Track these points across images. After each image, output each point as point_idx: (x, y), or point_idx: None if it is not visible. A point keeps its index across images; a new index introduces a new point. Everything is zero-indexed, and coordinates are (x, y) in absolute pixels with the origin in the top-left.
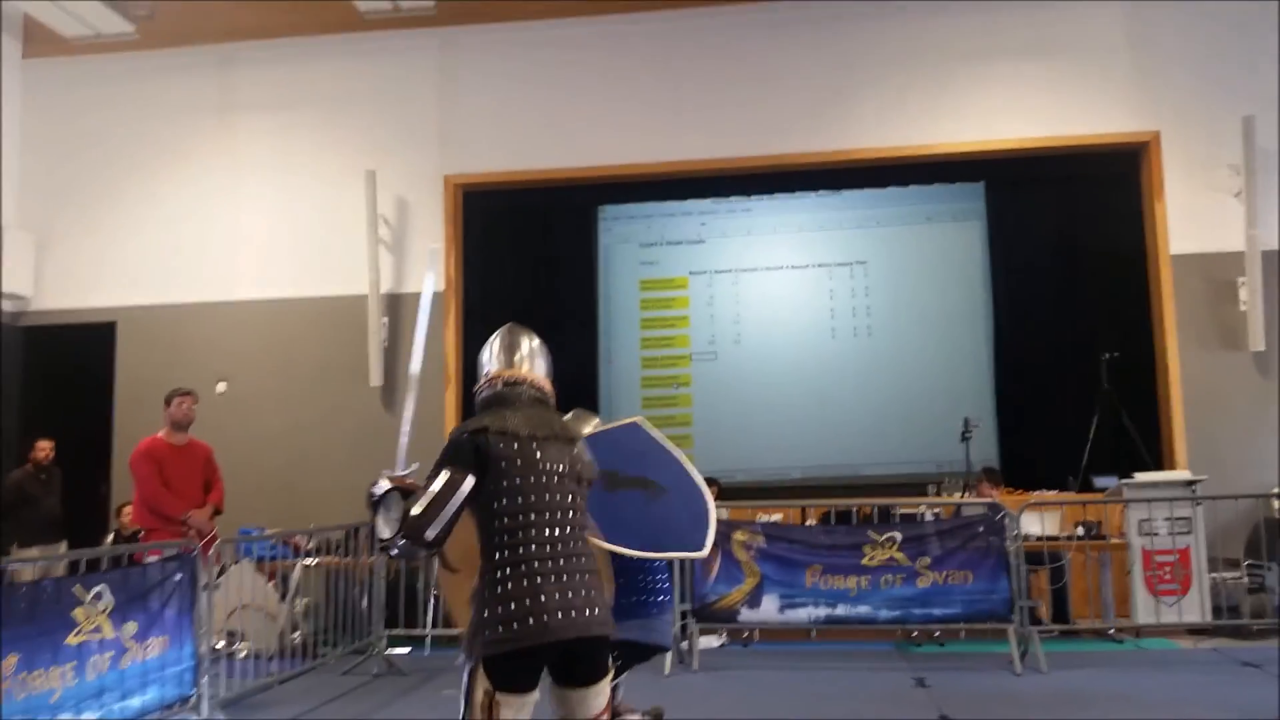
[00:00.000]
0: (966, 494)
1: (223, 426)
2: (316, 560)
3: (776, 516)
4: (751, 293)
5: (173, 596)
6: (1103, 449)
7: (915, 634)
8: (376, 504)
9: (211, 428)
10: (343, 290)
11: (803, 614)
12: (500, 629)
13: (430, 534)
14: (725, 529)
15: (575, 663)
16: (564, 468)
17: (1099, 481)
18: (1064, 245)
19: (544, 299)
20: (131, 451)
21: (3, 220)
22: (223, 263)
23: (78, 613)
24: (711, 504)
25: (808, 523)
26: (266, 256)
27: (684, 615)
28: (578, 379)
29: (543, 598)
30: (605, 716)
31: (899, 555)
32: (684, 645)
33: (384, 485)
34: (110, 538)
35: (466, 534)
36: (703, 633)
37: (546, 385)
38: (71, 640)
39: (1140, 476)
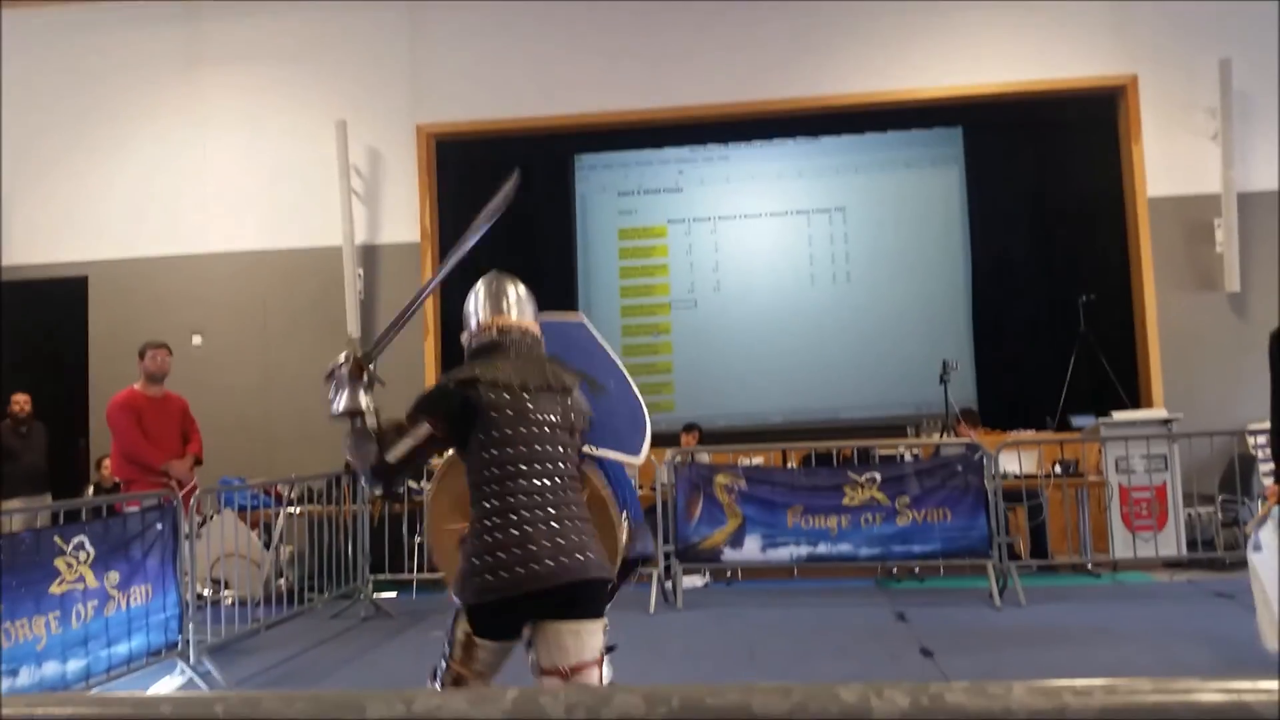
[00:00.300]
0: (945, 435)
1: (200, 380)
2: (300, 509)
3: (758, 460)
4: (730, 240)
5: (154, 546)
6: (1080, 389)
7: (895, 570)
8: (341, 417)
9: (188, 381)
10: (317, 242)
11: (784, 553)
12: (490, 577)
13: (396, 484)
14: (707, 473)
15: (571, 605)
16: (556, 418)
17: (1076, 421)
18: (1042, 189)
19: (521, 249)
20: (107, 405)
21: None
22: (195, 215)
23: (59, 563)
24: (647, 413)
25: (789, 465)
26: (239, 209)
27: (667, 556)
28: None
29: (533, 546)
30: (593, 672)
31: (879, 495)
32: (668, 585)
33: (343, 403)
34: (91, 490)
35: (458, 481)
36: (686, 573)
37: (537, 331)
38: (55, 589)
39: (1117, 415)
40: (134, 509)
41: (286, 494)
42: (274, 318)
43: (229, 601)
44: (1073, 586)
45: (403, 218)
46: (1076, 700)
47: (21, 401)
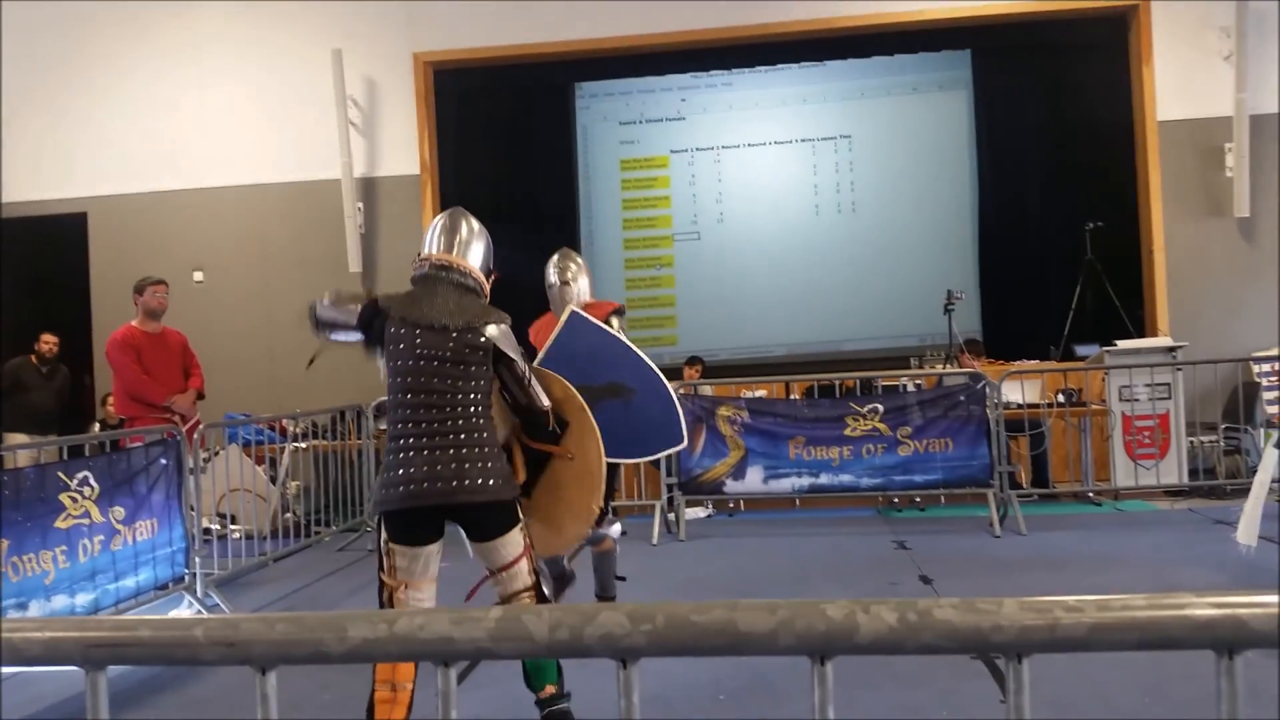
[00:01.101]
0: (948, 365)
1: (202, 316)
2: (306, 444)
3: (760, 392)
4: (734, 170)
5: (159, 481)
6: (1085, 318)
7: (896, 500)
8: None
9: (191, 318)
10: (316, 175)
11: (786, 484)
12: (383, 491)
13: (319, 311)
14: (709, 405)
15: (467, 524)
16: (443, 352)
17: (1081, 350)
18: (1051, 114)
19: (522, 181)
20: (106, 343)
21: None
22: (192, 150)
23: (64, 497)
24: (670, 387)
25: (791, 398)
26: (236, 142)
27: (670, 488)
28: None
29: (411, 469)
30: (523, 564)
31: (881, 426)
32: (671, 516)
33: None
34: (96, 427)
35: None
36: (689, 504)
37: (475, 272)
38: (60, 524)
39: (1122, 344)
40: (138, 444)
41: (292, 429)
42: (274, 252)
43: (236, 536)
44: (1074, 515)
45: (401, 150)
46: (1068, 616)
47: (50, 342)
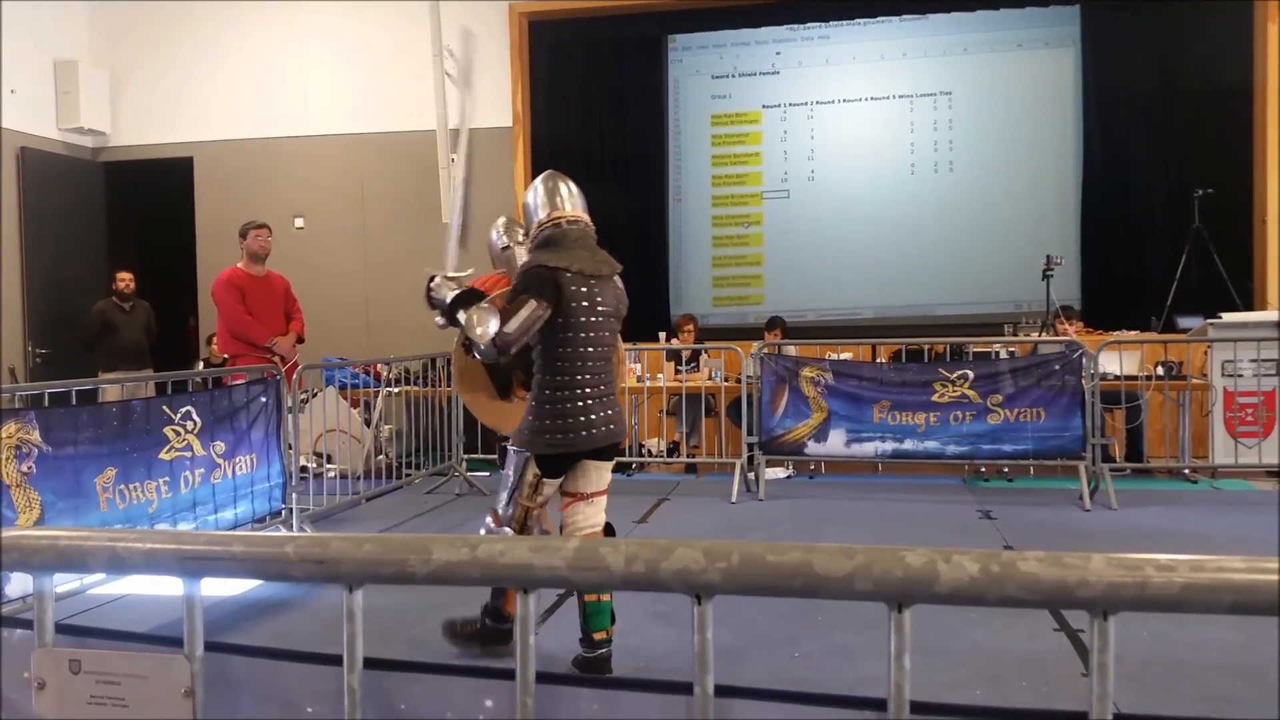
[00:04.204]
0: (1044, 333)
1: (302, 261)
2: (398, 389)
3: (846, 355)
4: (827, 127)
5: (259, 418)
6: (1189, 289)
7: (983, 470)
8: (453, 305)
9: (291, 262)
10: (412, 125)
11: (869, 448)
12: (560, 436)
13: (515, 348)
14: (793, 366)
15: (603, 451)
16: (611, 307)
17: (1183, 322)
18: (1164, 73)
19: (612, 134)
20: (212, 282)
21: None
22: (293, 98)
23: (167, 430)
24: None
25: (877, 361)
26: (336, 91)
27: (751, 447)
28: (646, 217)
29: (592, 415)
30: (605, 496)
31: (970, 393)
32: (751, 475)
33: (448, 291)
34: (200, 365)
35: (476, 370)
36: (769, 464)
37: (589, 221)
38: (164, 456)
39: (1227, 317)
40: (239, 382)
41: (385, 374)
42: (372, 201)
43: (331, 475)
44: (1168, 491)
45: (495, 101)
46: (1160, 575)
47: (126, 279)
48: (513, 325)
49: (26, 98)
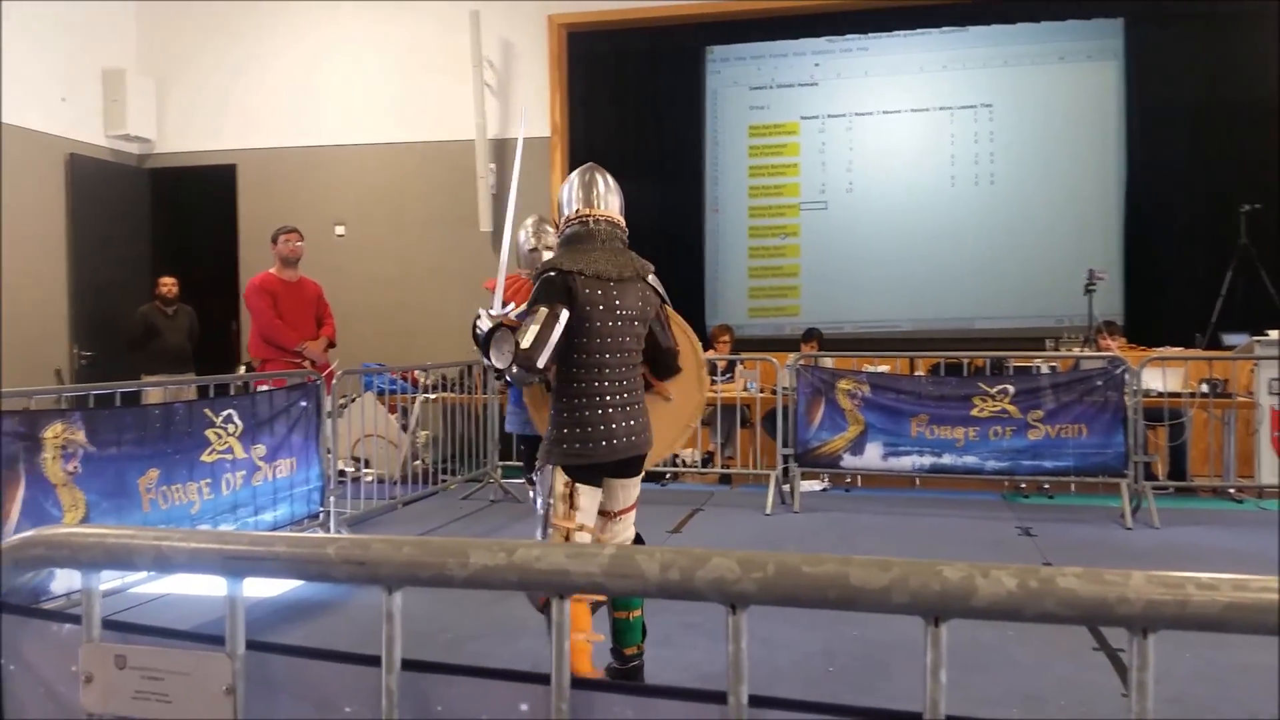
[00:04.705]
0: (1086, 348)
1: (342, 268)
2: (435, 395)
3: (883, 368)
4: (866, 138)
5: (299, 422)
6: (1235, 305)
7: (1023, 486)
8: (486, 340)
9: (332, 269)
10: (452, 135)
11: (906, 462)
12: (578, 446)
13: (540, 361)
14: (829, 378)
15: (628, 466)
16: (634, 310)
17: (1228, 339)
18: (1208, 87)
19: (650, 144)
20: (244, 287)
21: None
22: (335, 107)
23: (209, 433)
24: None
25: (916, 374)
26: (377, 101)
27: (786, 459)
28: (683, 227)
29: (613, 425)
30: (634, 511)
31: (1010, 408)
32: (786, 488)
33: (487, 323)
34: (242, 369)
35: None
36: (805, 477)
37: (622, 222)
38: (206, 458)
39: (1274, 333)
40: (272, 388)
41: (423, 380)
42: (411, 209)
43: (369, 479)
44: (1212, 510)
45: (534, 111)
46: (1201, 594)
47: (169, 284)
48: (527, 340)
49: (75, 106)
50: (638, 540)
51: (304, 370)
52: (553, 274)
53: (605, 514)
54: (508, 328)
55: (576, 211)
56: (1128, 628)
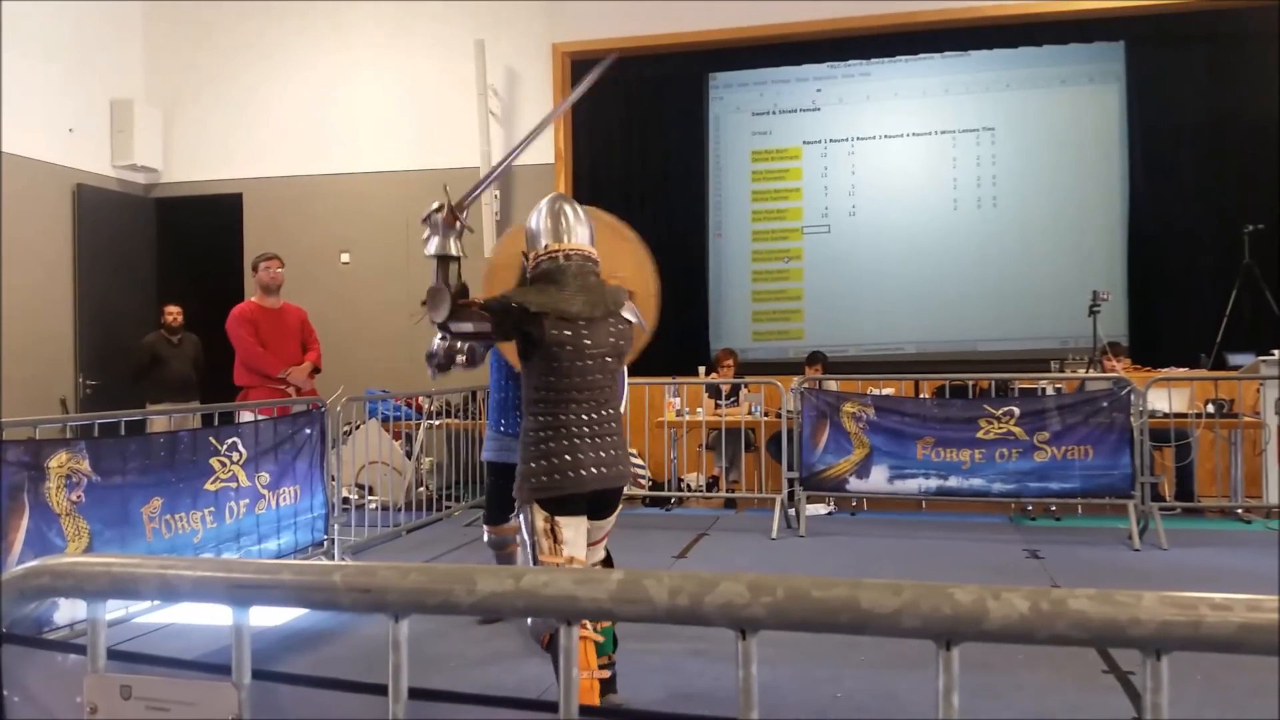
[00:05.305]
0: (1091, 369)
1: (348, 296)
2: (439, 421)
3: (888, 390)
4: (868, 162)
5: (303, 450)
6: (1240, 325)
7: (1030, 508)
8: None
9: (337, 297)
10: (457, 163)
11: (912, 485)
12: (545, 479)
13: (451, 336)
14: (834, 401)
15: (600, 503)
16: (605, 348)
17: (1234, 359)
18: (1209, 109)
19: (653, 170)
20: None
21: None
22: (341, 136)
23: (214, 461)
24: None
25: (921, 397)
26: (383, 129)
27: (791, 483)
28: (687, 251)
29: (580, 455)
30: (607, 540)
31: (1016, 430)
32: (791, 512)
33: (434, 246)
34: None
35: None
36: (810, 500)
37: (594, 253)
38: (210, 487)
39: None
40: (261, 417)
41: (427, 406)
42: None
43: (373, 506)
44: (1220, 531)
45: (538, 139)
46: (1214, 615)
47: (174, 312)
48: (463, 323)
49: (83, 136)
50: (607, 561)
51: (309, 398)
52: (521, 312)
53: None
54: (448, 286)
55: (546, 247)
56: (1140, 649)
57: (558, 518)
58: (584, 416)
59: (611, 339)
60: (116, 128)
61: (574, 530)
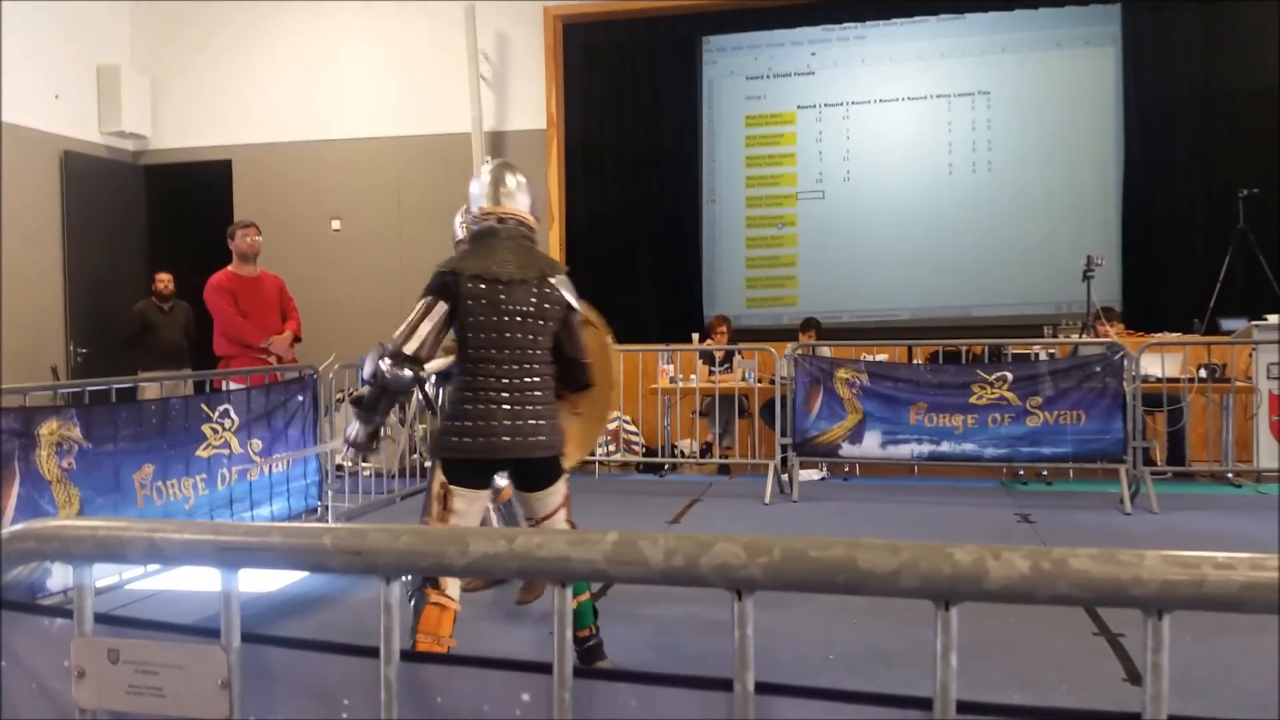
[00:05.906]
0: (1084, 334)
1: (339, 263)
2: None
3: (881, 356)
4: (863, 127)
5: (295, 417)
6: (1234, 290)
7: (1022, 472)
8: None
9: (328, 264)
10: (448, 128)
11: (905, 450)
12: (457, 439)
13: (409, 347)
14: (827, 367)
15: (527, 475)
16: (526, 308)
17: (1226, 324)
18: (1206, 72)
19: (646, 135)
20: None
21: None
22: (331, 101)
23: (205, 428)
24: None
25: (914, 362)
26: (372, 95)
27: (784, 449)
28: (680, 218)
29: (493, 421)
30: (562, 513)
31: (1009, 395)
32: (784, 477)
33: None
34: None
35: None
36: (803, 466)
37: (531, 220)
38: (202, 453)
39: (1273, 318)
40: (239, 385)
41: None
42: (408, 203)
43: (366, 473)
44: (1211, 495)
45: (529, 104)
46: (1217, 573)
47: (165, 280)
48: (400, 329)
49: (70, 103)
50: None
51: (299, 365)
52: (437, 275)
53: (532, 521)
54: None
55: (481, 210)
56: (1142, 609)
57: (454, 487)
58: (503, 380)
59: (534, 300)
60: (104, 94)
61: (467, 503)
